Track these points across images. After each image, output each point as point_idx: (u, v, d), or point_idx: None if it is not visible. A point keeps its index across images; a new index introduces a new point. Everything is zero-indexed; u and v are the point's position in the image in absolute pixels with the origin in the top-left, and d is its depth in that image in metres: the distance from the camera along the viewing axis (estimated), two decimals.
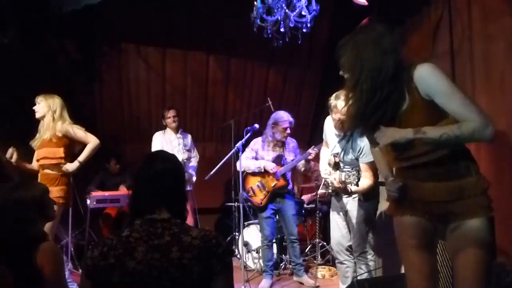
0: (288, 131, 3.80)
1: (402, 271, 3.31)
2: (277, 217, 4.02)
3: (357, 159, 2.96)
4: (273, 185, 3.80)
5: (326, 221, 4.30)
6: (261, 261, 4.19)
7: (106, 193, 4.53)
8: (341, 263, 3.17)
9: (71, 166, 3.18)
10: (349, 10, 5.09)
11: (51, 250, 1.76)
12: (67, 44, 4.58)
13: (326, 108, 3.08)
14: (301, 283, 3.91)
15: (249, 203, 4.23)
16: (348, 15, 5.18)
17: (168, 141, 4.28)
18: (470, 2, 2.94)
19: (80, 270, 3.98)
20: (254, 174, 3.90)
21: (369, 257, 3.07)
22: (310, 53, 5.52)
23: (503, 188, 3.04)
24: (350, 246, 3.14)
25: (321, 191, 3.15)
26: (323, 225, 4.43)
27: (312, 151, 3.58)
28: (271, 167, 3.77)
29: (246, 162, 3.89)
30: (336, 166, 2.88)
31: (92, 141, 3.23)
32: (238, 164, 3.92)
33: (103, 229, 4.71)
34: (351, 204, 3.05)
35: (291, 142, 3.94)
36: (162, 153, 1.52)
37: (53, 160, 3.16)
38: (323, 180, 3.21)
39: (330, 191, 3.01)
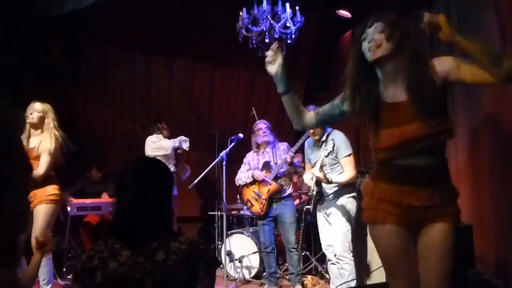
0: (264, 130, 3.87)
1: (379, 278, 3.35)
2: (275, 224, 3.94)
3: (336, 157, 3.10)
4: (267, 191, 3.81)
5: (310, 231, 4.30)
6: (243, 270, 4.18)
7: (87, 201, 4.44)
8: (333, 263, 3.21)
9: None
10: (333, 22, 5.20)
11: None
12: (52, 48, 4.54)
13: None
14: None
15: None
16: (332, 27, 5.28)
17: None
18: None
19: (59, 280, 3.90)
20: (248, 185, 3.94)
21: (349, 256, 3.09)
22: (294, 63, 5.58)
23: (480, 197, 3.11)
24: None
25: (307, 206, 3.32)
26: (307, 234, 4.42)
27: (287, 155, 3.65)
28: (258, 174, 3.82)
29: (239, 175, 4.02)
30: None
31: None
32: (235, 180, 4.07)
33: (83, 237, 4.61)
34: (333, 204, 3.15)
35: (282, 145, 3.92)
36: (145, 158, 1.51)
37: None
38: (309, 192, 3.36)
39: (313, 195, 3.18)
